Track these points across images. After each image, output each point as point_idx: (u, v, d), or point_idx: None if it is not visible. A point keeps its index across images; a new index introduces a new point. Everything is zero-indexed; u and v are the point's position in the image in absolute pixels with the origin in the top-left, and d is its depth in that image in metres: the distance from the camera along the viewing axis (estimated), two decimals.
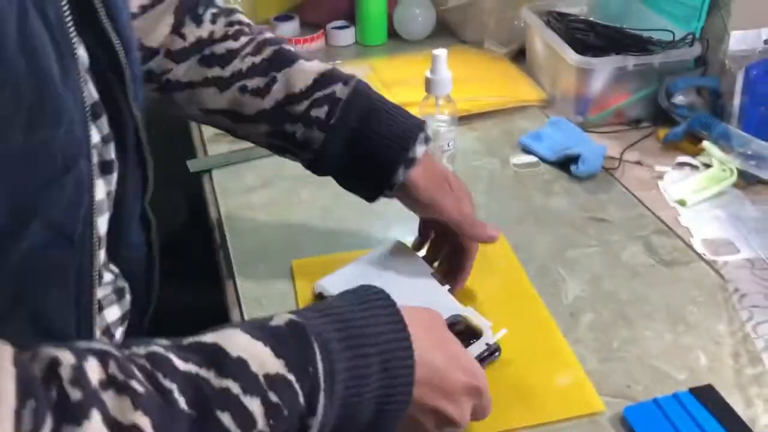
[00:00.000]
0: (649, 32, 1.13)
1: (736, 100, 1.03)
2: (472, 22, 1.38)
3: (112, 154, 0.58)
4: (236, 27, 0.77)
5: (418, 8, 1.42)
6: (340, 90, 0.73)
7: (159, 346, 0.45)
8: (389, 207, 0.95)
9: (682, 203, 0.94)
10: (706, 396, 0.64)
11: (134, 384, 0.41)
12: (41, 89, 0.47)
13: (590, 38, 1.14)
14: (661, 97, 1.10)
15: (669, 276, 0.82)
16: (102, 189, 0.56)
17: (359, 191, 0.78)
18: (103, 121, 0.57)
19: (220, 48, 0.75)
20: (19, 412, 0.37)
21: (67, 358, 0.41)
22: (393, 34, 1.45)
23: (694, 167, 1.02)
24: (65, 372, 0.40)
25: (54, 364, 0.40)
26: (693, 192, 0.95)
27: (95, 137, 0.55)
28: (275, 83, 0.74)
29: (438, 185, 0.76)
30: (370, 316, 0.51)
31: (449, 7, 1.40)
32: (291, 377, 0.46)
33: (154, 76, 0.76)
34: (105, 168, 0.57)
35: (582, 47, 1.12)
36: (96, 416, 0.39)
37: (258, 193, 0.99)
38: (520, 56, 1.33)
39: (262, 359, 0.46)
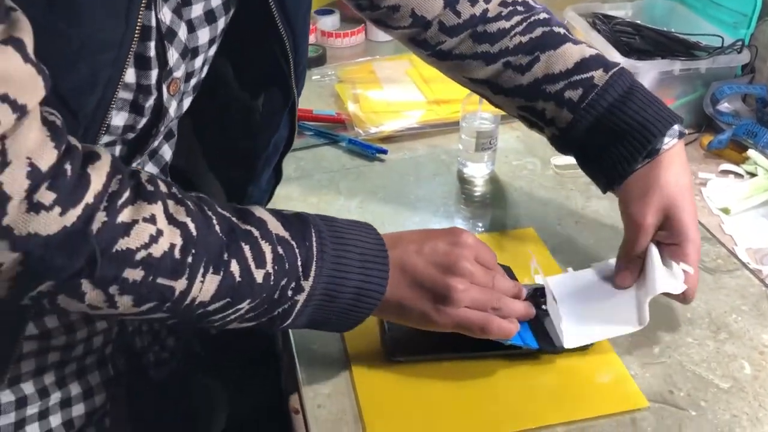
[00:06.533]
0: (696, 37, 1.12)
1: None
2: None
3: (152, 79, 0.60)
4: (510, 8, 0.79)
5: None
6: (599, 76, 0.74)
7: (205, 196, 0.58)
8: (426, 203, 0.95)
9: (725, 211, 0.93)
10: None
11: (188, 203, 0.55)
12: None
13: (636, 41, 1.13)
14: (706, 103, 1.08)
15: (712, 283, 0.81)
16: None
17: (596, 177, 0.78)
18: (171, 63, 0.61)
19: (492, 27, 0.78)
20: (110, 176, 0.50)
21: (144, 172, 0.55)
22: None
23: (738, 175, 1.00)
24: (143, 175, 0.54)
25: (136, 170, 0.54)
26: (737, 200, 0.94)
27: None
28: (537, 62, 0.76)
29: (684, 189, 0.72)
30: (356, 230, 0.63)
31: None
32: (293, 243, 0.59)
33: (428, 46, 0.81)
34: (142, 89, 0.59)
35: (627, 50, 1.11)
36: (160, 205, 0.53)
37: (297, 183, 0.99)
38: None
39: (276, 225, 0.59)
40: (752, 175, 0.99)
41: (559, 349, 0.69)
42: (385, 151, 1.05)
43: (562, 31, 0.79)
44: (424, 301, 0.63)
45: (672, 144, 0.72)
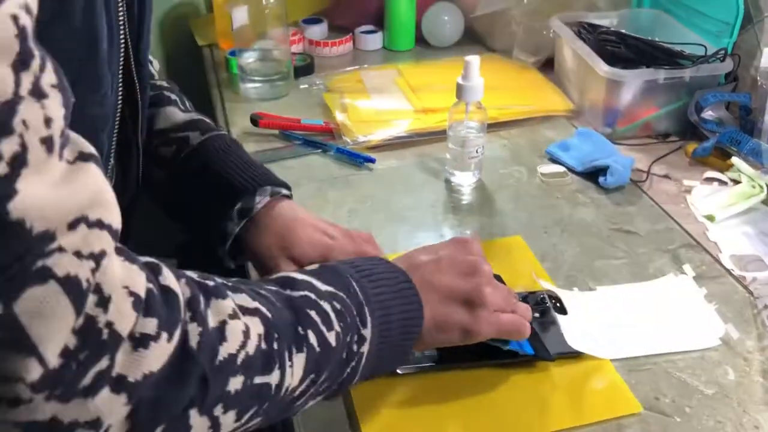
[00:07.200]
0: (680, 46, 1.13)
1: (767, 117, 1.03)
2: (501, 30, 1.39)
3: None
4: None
5: (447, 15, 1.43)
6: (194, 137, 0.76)
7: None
8: (414, 212, 0.95)
9: (710, 218, 0.94)
10: None
11: (243, 287, 0.51)
12: (90, 53, 0.50)
13: (621, 50, 1.14)
14: (690, 111, 1.10)
15: None
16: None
17: (203, 243, 0.75)
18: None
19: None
20: (177, 282, 0.45)
21: (187, 272, 0.49)
22: (420, 40, 1.45)
23: (722, 183, 1.01)
24: (193, 274, 0.49)
25: (183, 271, 0.49)
26: (722, 207, 0.95)
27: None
28: (150, 119, 0.77)
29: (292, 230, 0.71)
30: (375, 263, 0.61)
31: (478, 15, 1.40)
32: (342, 294, 0.55)
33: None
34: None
35: (612, 59, 1.12)
36: (229, 298, 0.48)
37: None
38: (547, 66, 1.33)
39: (319, 282, 0.56)
40: (736, 182, 1.00)
41: (552, 355, 0.70)
42: (373, 160, 1.05)
43: (174, 95, 0.81)
44: (459, 312, 0.63)
45: (264, 202, 0.73)
